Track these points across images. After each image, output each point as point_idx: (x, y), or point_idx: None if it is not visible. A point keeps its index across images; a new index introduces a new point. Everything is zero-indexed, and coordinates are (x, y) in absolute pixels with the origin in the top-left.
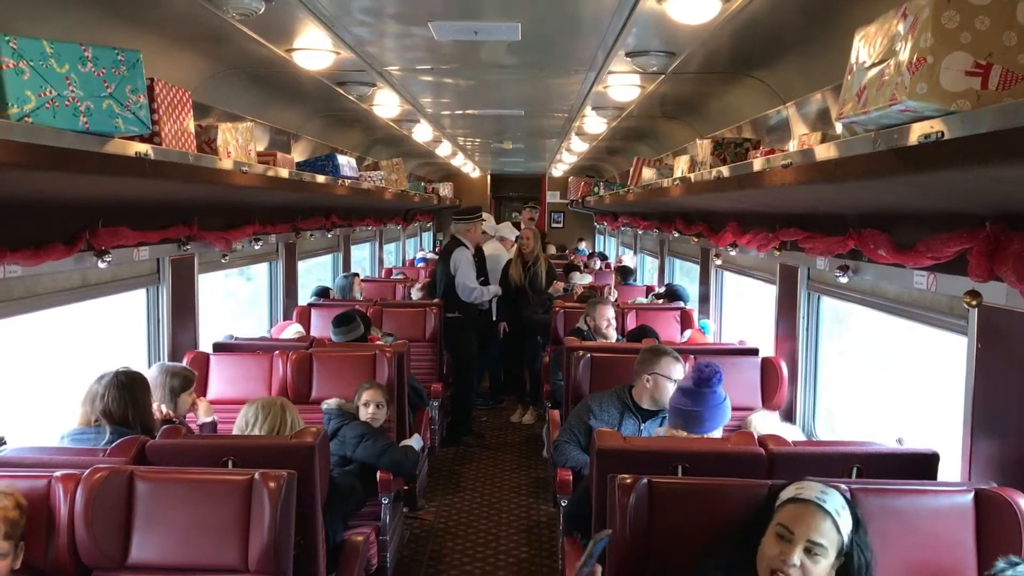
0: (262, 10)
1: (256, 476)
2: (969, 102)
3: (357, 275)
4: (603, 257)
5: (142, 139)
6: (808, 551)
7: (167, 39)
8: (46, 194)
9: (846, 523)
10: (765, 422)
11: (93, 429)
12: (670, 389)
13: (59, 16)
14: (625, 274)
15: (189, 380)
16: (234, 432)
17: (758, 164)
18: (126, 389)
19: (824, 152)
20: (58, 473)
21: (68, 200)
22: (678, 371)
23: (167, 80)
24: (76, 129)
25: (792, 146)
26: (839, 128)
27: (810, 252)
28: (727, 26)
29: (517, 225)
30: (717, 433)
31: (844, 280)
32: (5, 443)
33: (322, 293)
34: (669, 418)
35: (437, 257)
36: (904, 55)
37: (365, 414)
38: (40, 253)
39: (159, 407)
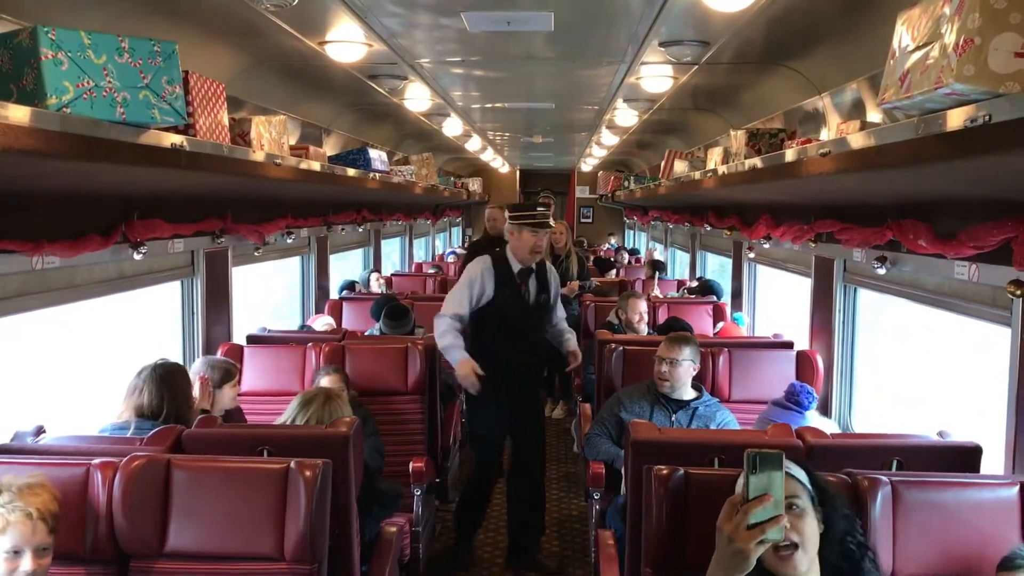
0: (295, 2)
1: (292, 464)
2: (1018, 84)
3: (377, 271)
4: (632, 252)
5: (177, 131)
6: (789, 507)
7: (201, 33)
8: (83, 186)
9: (799, 473)
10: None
11: (125, 423)
12: (663, 370)
13: (96, 10)
14: (656, 268)
15: (231, 373)
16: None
17: (795, 154)
18: (164, 383)
19: (863, 140)
20: (96, 461)
21: (104, 192)
22: (677, 352)
23: (201, 74)
24: (113, 120)
25: (825, 136)
26: (878, 117)
27: (847, 244)
28: (762, 14)
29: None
30: None
31: (882, 272)
32: (44, 432)
33: (349, 287)
34: (756, 425)
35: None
36: (950, 37)
37: None
38: (77, 244)
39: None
